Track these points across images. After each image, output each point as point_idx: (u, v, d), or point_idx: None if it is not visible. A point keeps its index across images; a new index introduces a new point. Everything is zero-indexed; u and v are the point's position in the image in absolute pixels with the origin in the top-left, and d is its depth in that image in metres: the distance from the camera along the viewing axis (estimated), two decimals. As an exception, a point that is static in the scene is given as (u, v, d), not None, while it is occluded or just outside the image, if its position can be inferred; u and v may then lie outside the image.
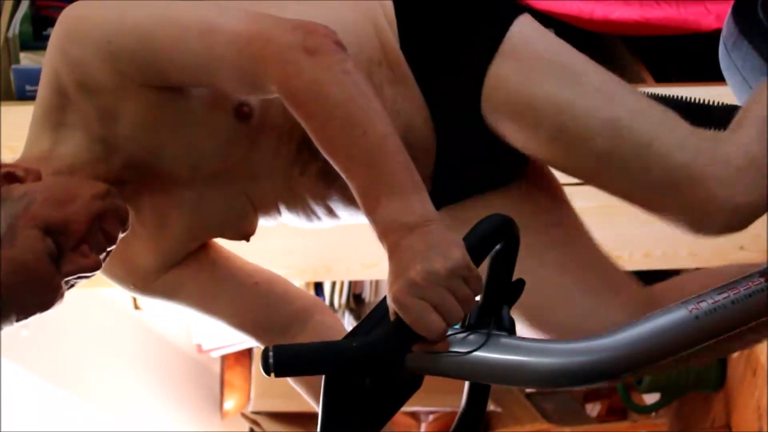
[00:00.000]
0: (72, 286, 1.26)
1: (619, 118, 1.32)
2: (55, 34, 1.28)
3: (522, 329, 1.48)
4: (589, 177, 1.38)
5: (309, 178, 1.39)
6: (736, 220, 1.30)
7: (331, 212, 1.44)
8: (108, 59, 1.24)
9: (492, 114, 1.36)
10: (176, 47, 1.22)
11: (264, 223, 1.44)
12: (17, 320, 1.22)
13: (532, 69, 1.34)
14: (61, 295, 1.24)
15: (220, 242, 1.47)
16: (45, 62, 1.30)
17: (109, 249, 1.27)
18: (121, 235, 1.29)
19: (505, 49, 1.35)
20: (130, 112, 1.27)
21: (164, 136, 1.30)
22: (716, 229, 1.32)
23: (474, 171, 1.46)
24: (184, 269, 1.43)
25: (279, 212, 1.43)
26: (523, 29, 1.37)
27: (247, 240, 1.43)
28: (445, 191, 1.46)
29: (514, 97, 1.34)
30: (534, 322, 1.47)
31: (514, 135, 1.36)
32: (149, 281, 1.43)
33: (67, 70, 1.26)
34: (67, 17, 1.27)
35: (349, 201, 1.36)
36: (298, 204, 1.42)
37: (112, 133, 1.28)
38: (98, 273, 1.32)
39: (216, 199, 1.37)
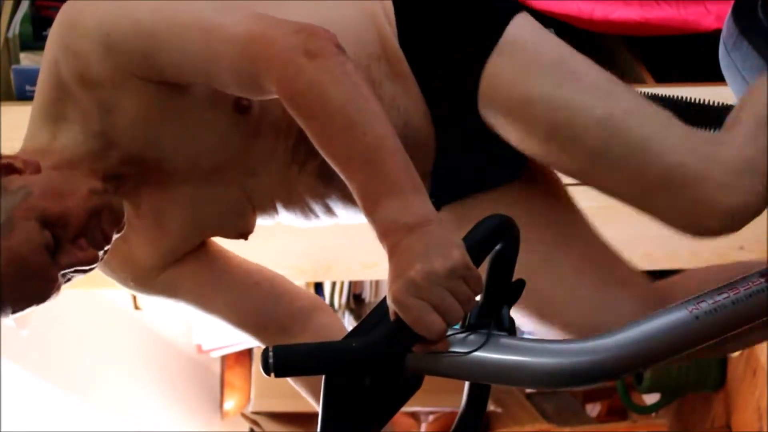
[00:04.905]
0: (69, 279, 1.26)
1: (614, 117, 1.31)
2: (56, 27, 1.28)
3: (535, 329, 1.49)
4: (582, 176, 1.38)
5: (308, 176, 1.39)
6: (731, 222, 1.30)
7: (329, 211, 1.44)
8: (108, 53, 1.24)
9: (488, 111, 1.36)
10: (176, 44, 1.22)
11: (261, 222, 1.44)
12: (13, 312, 1.22)
13: (529, 67, 1.34)
14: (57, 288, 1.25)
15: (220, 242, 1.47)
16: (45, 55, 1.30)
17: (105, 248, 1.27)
18: (115, 236, 1.29)
19: (502, 46, 1.35)
20: (129, 105, 1.27)
21: (163, 129, 1.30)
22: (711, 231, 1.31)
23: (475, 168, 1.46)
24: (184, 267, 1.43)
25: (276, 210, 1.43)
26: (521, 27, 1.37)
27: (245, 238, 1.43)
28: (445, 188, 1.46)
29: (509, 94, 1.34)
30: (545, 321, 1.47)
31: (510, 132, 1.36)
32: (148, 278, 1.43)
33: (67, 63, 1.26)
34: (68, 11, 1.27)
35: (348, 200, 1.36)
36: (296, 202, 1.42)
37: (111, 127, 1.28)
38: (98, 271, 1.33)
39: (214, 196, 1.38)
